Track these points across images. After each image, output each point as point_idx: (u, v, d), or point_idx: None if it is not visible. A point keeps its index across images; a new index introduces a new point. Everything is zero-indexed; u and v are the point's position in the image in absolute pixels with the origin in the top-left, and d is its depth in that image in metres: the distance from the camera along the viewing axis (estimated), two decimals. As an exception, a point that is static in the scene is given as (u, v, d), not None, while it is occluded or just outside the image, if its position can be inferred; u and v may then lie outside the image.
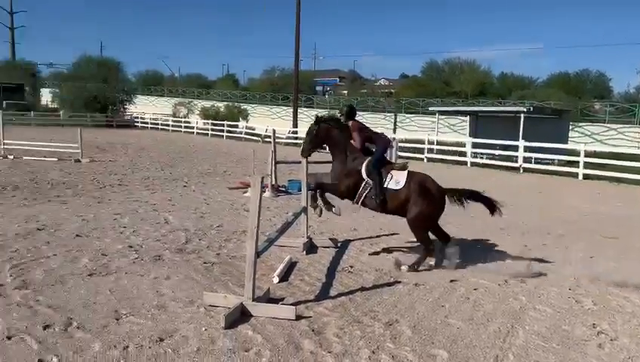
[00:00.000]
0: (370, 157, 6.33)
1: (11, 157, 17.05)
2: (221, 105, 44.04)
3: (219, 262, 6.21)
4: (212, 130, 36.40)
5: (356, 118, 6.73)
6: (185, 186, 12.47)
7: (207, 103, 46.82)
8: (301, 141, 28.60)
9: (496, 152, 21.04)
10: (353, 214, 9.61)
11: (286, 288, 5.37)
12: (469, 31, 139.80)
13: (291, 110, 37.59)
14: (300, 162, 7.27)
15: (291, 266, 6.13)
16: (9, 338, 3.89)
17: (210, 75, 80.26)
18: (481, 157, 21.66)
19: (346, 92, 62.59)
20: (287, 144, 29.16)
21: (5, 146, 17.65)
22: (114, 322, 4.29)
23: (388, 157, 6.65)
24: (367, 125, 6.82)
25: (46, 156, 17.29)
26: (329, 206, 6.40)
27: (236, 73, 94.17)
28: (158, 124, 42.85)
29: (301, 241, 6.84)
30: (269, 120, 43.36)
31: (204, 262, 6.16)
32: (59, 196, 10.35)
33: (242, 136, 33.84)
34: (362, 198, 6.32)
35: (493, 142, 20.91)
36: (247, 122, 40.17)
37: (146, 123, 44.61)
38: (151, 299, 4.87)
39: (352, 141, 6.45)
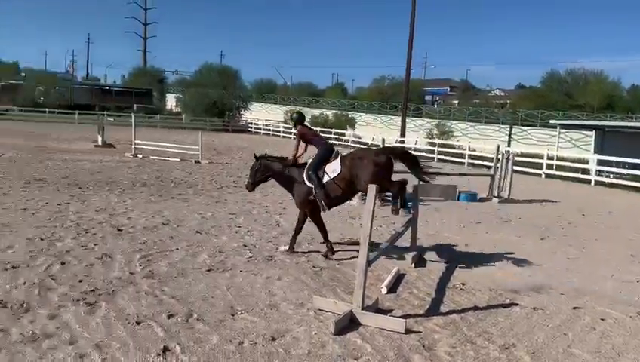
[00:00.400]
0: (308, 164, 6.70)
1: (140, 156, 18.65)
2: (329, 114, 44.85)
3: (327, 267, 6.28)
4: (320, 137, 37.18)
5: (305, 124, 7.17)
6: (294, 191, 12.80)
7: (317, 111, 47.90)
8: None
9: (625, 171, 19.20)
10: (464, 229, 9.29)
11: (394, 300, 5.28)
12: (596, 39, 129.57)
13: (398, 119, 37.28)
14: (408, 172, 7.11)
15: (399, 278, 6.03)
16: (138, 323, 4.22)
17: (320, 83, 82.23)
18: (607, 176, 19.90)
19: (456, 102, 60.76)
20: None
21: (136, 146, 19.35)
22: (230, 317, 4.49)
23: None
24: (314, 130, 7.44)
25: (170, 156, 18.68)
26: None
27: (345, 82, 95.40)
28: (269, 129, 44.62)
29: (410, 254, 6.70)
30: (376, 128, 43.33)
31: (314, 266, 6.26)
32: (181, 194, 11.12)
33: (349, 144, 34.16)
34: (320, 200, 6.53)
35: (622, 160, 19.11)
36: (354, 130, 40.49)
37: (259, 128, 46.63)
38: (264, 298, 5.04)
39: (312, 140, 6.91)
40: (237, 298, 4.99)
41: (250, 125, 48.85)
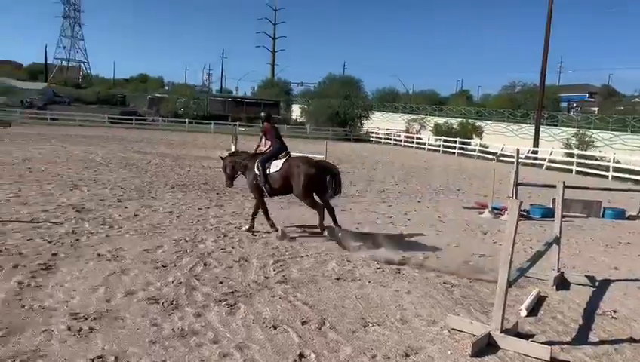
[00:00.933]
0: (262, 157, 8.00)
1: (269, 164, 19.54)
2: (454, 122, 43.54)
3: (458, 284, 6.02)
4: (444, 146, 36.19)
5: (271, 122, 8.33)
6: (419, 202, 12.57)
7: (440, 120, 46.79)
8: (541, 162, 26.70)
9: None
10: (611, 250, 8.42)
11: (535, 324, 4.91)
12: None
13: (530, 128, 35.09)
14: (551, 185, 6.61)
15: (540, 301, 5.60)
16: (275, 327, 4.37)
17: (443, 91, 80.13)
18: None
19: (596, 109, 55.73)
20: (524, 165, 27.21)
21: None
22: (362, 329, 4.48)
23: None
24: (277, 129, 8.47)
25: (296, 165, 19.33)
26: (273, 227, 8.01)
27: (470, 89, 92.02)
28: (390, 139, 44.46)
29: (551, 275, 6.20)
30: (505, 138, 41.12)
31: (444, 282, 6.04)
32: (307, 202, 11.41)
33: (475, 153, 32.85)
34: (262, 186, 7.86)
35: None
36: (480, 139, 38.85)
37: (380, 138, 46.69)
38: (394, 311, 4.96)
39: (269, 138, 8.14)
40: (367, 309, 4.97)
41: (371, 134, 49.10)
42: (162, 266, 5.91)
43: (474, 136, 40.21)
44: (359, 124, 51.81)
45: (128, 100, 72.45)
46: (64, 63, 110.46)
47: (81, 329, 4.08)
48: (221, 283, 5.47)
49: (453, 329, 4.58)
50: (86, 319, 4.28)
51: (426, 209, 11.59)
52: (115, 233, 7.35)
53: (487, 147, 34.35)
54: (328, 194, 7.75)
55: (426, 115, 52.43)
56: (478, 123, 44.14)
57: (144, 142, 26.71)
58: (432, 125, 44.92)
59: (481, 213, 11.11)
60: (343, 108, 49.03)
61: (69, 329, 4.07)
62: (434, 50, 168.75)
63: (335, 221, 7.80)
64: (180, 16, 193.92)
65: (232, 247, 6.98)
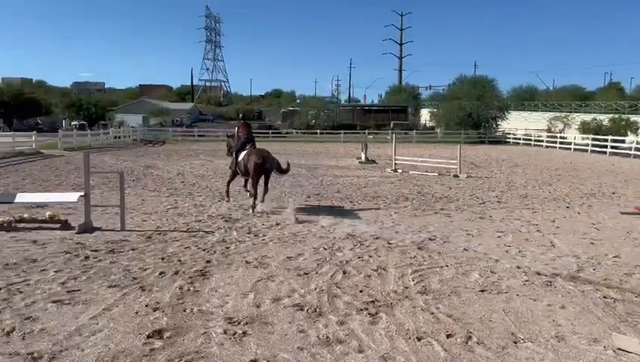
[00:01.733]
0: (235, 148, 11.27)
1: (400, 171, 19.40)
2: (604, 118, 39.52)
3: (622, 299, 5.41)
4: (592, 145, 32.99)
5: (246, 122, 11.97)
6: (567, 207, 11.56)
7: (587, 117, 42.76)
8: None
9: None
10: None
11: None
12: None
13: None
14: None
15: None
16: (419, 339, 4.29)
17: (589, 85, 73.31)
18: None
19: None
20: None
21: (396, 161, 20.22)
22: (512, 345, 4.21)
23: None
24: (250, 127, 11.61)
25: (427, 171, 18.97)
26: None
27: (621, 81, 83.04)
28: (530, 139, 41.62)
29: None
30: (669, 133, 36.35)
31: (604, 296, 5.47)
32: (443, 209, 11.11)
33: (631, 152, 29.44)
34: (237, 169, 11.07)
35: None
36: (637, 136, 34.75)
37: (518, 139, 43.97)
38: (548, 327, 4.59)
39: (240, 134, 11.23)
40: (517, 324, 4.66)
41: (507, 135, 46.47)
42: (304, 273, 6.13)
43: (629, 133, 36.09)
44: (494, 126, 49.35)
45: (264, 115, 76.94)
46: (207, 84, 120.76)
47: (235, 333, 4.37)
48: (361, 291, 5.52)
49: (619, 349, 4.12)
50: (239, 323, 4.58)
51: (576, 215, 10.63)
52: (260, 241, 7.80)
53: (645, 144, 30.60)
54: (277, 174, 11.02)
55: (570, 112, 48.30)
56: (633, 118, 39.55)
57: (279, 153, 28.09)
58: (578, 123, 41.21)
59: None
60: (475, 110, 47.07)
61: (225, 332, 4.38)
62: (576, 43, 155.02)
63: (263, 198, 10.43)
64: (308, 30, 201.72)
65: (370, 256, 7.01)
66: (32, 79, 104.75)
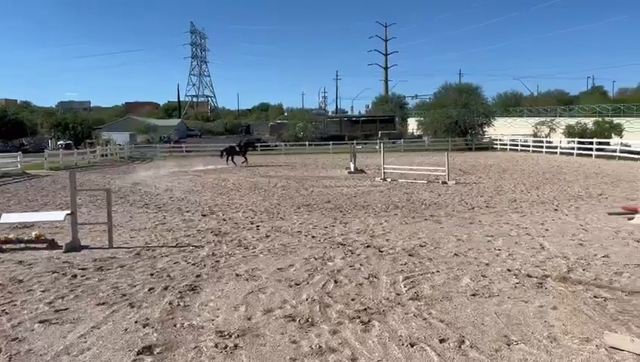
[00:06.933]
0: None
1: (389, 180, 19.44)
2: (588, 122, 39.96)
3: (613, 298, 5.43)
4: (578, 148, 33.34)
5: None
6: (556, 210, 11.64)
7: (572, 120, 43.23)
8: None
9: None
10: None
11: None
12: None
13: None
14: None
15: None
16: (412, 345, 4.26)
17: (572, 90, 74.34)
18: None
19: None
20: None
21: (385, 171, 20.27)
22: (505, 347, 4.20)
23: None
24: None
25: (416, 178, 19.03)
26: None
27: (603, 85, 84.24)
28: (517, 145, 41.96)
29: None
30: (653, 134, 36.82)
31: (594, 296, 5.49)
32: (432, 216, 11.13)
33: (616, 154, 29.79)
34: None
35: None
36: (621, 138, 35.18)
37: (505, 144, 44.27)
38: (540, 328, 4.59)
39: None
40: (509, 326, 4.66)
41: (494, 141, 46.81)
42: (296, 284, 6.08)
43: (613, 135, 36.52)
44: (481, 132, 49.64)
45: (252, 128, 76.92)
46: (194, 99, 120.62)
47: (226, 347, 4.31)
48: (353, 300, 5.48)
49: (611, 347, 4.12)
50: (230, 336, 4.53)
51: (565, 217, 10.70)
52: (250, 254, 7.74)
53: (629, 146, 30.98)
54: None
55: (555, 116, 48.84)
56: (617, 120, 40.06)
57: (269, 166, 28.06)
58: (563, 127, 41.62)
59: (630, 219, 9.99)
60: (461, 117, 47.39)
61: (216, 346, 4.33)
62: (557, 47, 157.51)
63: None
64: (294, 43, 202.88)
65: (360, 264, 6.99)
66: (16, 100, 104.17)
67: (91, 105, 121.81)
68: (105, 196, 9.27)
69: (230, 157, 29.31)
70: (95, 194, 15.10)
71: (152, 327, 4.75)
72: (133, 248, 8.20)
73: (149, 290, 5.91)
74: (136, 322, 4.89)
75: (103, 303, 5.47)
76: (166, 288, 5.99)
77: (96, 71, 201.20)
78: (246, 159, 29.54)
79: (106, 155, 38.70)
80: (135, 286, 6.10)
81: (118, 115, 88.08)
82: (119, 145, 47.69)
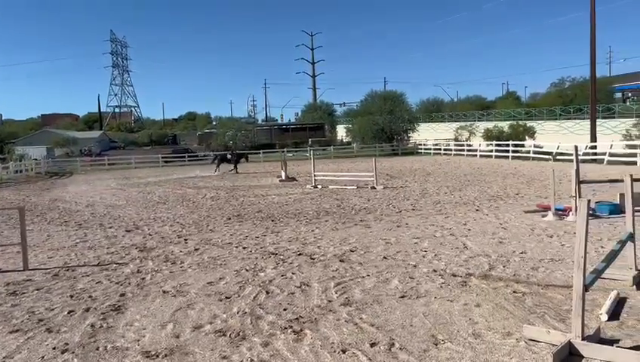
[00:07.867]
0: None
1: (320, 186, 19.59)
2: (504, 125, 42.33)
3: (530, 292, 5.75)
4: (496, 151, 35.22)
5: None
6: (477, 210, 12.20)
7: (489, 124, 45.61)
8: (601, 157, 25.61)
9: None
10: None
11: (619, 328, 4.60)
12: None
13: (585, 123, 33.58)
14: (618, 180, 6.27)
15: (620, 302, 5.26)
16: (344, 351, 4.29)
17: (489, 95, 78.57)
18: None
19: (655, 96, 52.88)
20: (584, 161, 26.02)
21: (315, 178, 20.41)
22: (433, 347, 4.33)
23: None
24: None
25: (347, 185, 19.31)
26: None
27: (517, 90, 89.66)
28: (440, 149, 43.69)
29: (630, 274, 5.83)
30: (559, 136, 39.55)
31: (514, 291, 5.79)
32: (362, 220, 11.32)
33: (530, 155, 31.74)
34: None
35: None
36: (534, 140, 37.54)
37: (429, 149, 45.96)
38: (465, 326, 4.77)
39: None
40: (436, 326, 4.81)
41: (419, 147, 48.47)
42: (226, 298, 5.97)
43: (526, 137, 38.89)
44: (406, 138, 51.26)
45: (179, 138, 75.00)
46: (116, 110, 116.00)
47: (154, 367, 4.14)
48: (285, 310, 5.45)
49: (530, 339, 4.36)
50: (157, 356, 4.35)
51: (485, 217, 11.23)
52: (178, 269, 7.51)
53: (541, 147, 33.12)
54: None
55: (474, 120, 51.32)
56: (530, 123, 42.72)
57: (198, 177, 27.43)
58: (482, 131, 43.82)
59: (544, 216, 10.66)
60: (387, 124, 48.71)
61: (142, 367, 4.14)
62: (475, 56, 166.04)
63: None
64: (220, 52, 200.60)
65: (292, 273, 6.97)
66: None
67: (3, 118, 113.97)
68: (18, 215, 8.67)
69: (219, 164, 30.05)
70: (8, 213, 14.10)
71: (72, 352, 4.48)
72: (50, 269, 7.72)
73: (68, 313, 5.57)
74: (54, 348, 4.59)
75: (17, 330, 5.10)
76: (87, 310, 5.68)
77: (9, 81, 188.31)
78: (236, 168, 29.64)
79: (20, 171, 36.28)
80: (53, 309, 5.74)
81: (33, 128, 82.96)
82: (35, 159, 44.87)
